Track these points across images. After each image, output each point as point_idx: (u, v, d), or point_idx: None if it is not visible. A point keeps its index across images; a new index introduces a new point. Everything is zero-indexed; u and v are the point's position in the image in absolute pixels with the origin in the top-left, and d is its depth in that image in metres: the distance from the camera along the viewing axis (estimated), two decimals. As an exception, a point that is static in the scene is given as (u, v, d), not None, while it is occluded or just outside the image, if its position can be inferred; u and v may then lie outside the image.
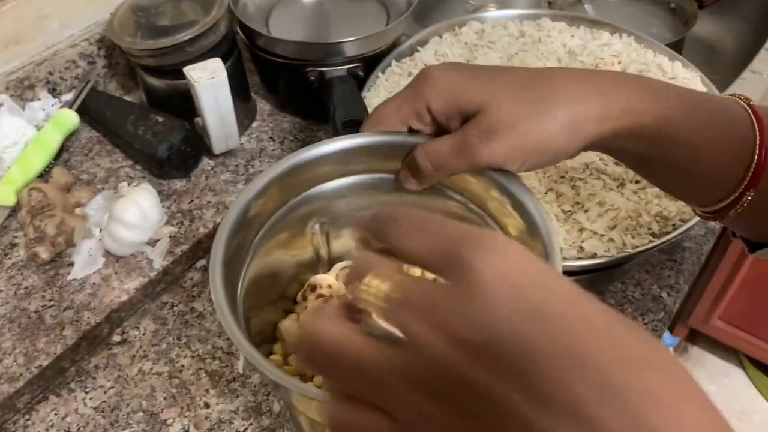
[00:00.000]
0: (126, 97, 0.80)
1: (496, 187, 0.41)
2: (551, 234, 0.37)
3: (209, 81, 0.63)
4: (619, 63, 0.69)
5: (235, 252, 0.40)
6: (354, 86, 0.67)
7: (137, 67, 0.71)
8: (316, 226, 0.47)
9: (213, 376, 0.57)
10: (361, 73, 0.71)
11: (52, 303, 0.59)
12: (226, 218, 0.39)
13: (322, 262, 0.50)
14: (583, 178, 0.61)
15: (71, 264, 0.62)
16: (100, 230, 0.63)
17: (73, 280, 0.61)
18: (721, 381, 1.63)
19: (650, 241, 0.57)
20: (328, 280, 0.48)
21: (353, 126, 0.60)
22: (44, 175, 0.69)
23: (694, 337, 1.63)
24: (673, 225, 0.58)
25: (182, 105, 0.70)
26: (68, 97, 0.74)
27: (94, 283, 0.61)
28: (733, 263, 1.31)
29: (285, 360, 0.45)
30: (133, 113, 0.70)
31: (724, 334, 1.49)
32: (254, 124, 0.78)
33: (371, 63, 0.72)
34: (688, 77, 0.69)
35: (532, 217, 0.39)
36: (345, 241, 0.50)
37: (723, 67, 1.01)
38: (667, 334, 1.50)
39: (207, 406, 0.55)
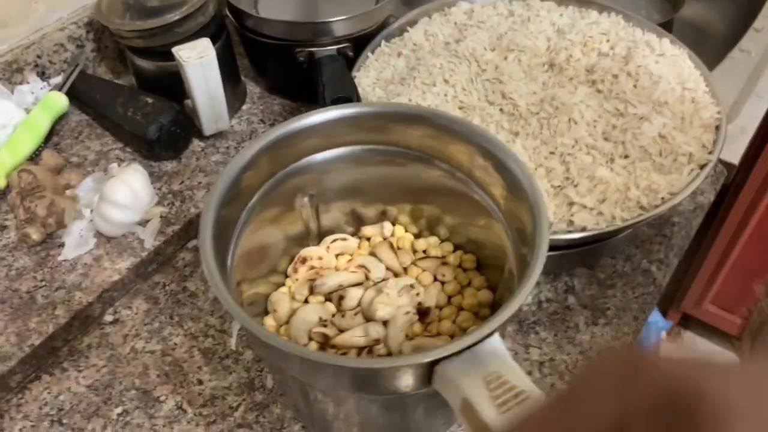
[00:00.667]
0: (116, 81, 0.79)
1: (481, 153, 0.41)
2: (537, 192, 0.38)
3: (198, 61, 0.63)
4: (608, 41, 0.69)
5: (224, 224, 0.40)
6: (343, 65, 0.67)
7: (126, 49, 0.71)
8: (305, 199, 0.47)
9: (206, 353, 0.57)
10: (350, 53, 0.71)
11: (43, 283, 0.59)
12: (215, 188, 0.40)
13: (311, 236, 0.50)
14: (572, 154, 0.61)
15: (62, 245, 0.62)
16: (91, 211, 0.63)
17: (65, 260, 0.61)
18: (713, 365, 1.64)
19: (639, 214, 0.57)
20: (318, 252, 0.48)
21: (343, 103, 0.60)
22: (34, 158, 0.69)
23: (687, 321, 1.64)
24: (662, 198, 0.58)
25: (172, 87, 0.70)
26: (57, 80, 0.74)
27: (85, 264, 0.61)
28: (725, 246, 1.32)
29: (277, 331, 0.45)
30: (123, 95, 0.70)
31: (717, 318, 1.50)
32: (244, 107, 0.78)
33: (361, 43, 0.72)
34: (677, 53, 0.69)
35: (515, 177, 0.39)
36: (334, 215, 0.50)
37: (712, 48, 1.01)
38: (660, 318, 1.51)
39: (200, 382, 0.55)
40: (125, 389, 0.55)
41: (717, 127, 0.63)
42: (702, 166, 0.60)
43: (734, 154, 0.73)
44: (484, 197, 0.44)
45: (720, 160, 0.72)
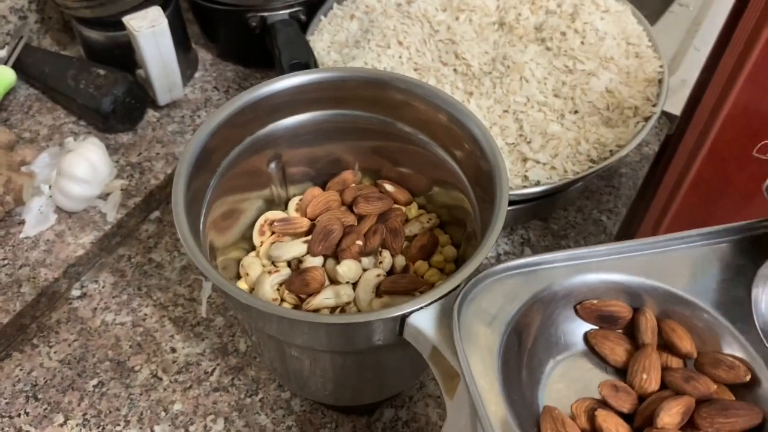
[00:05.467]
0: (62, 53, 0.78)
1: (442, 114, 0.43)
2: (496, 151, 0.40)
3: (150, 30, 0.62)
4: (554, -2, 0.71)
5: (194, 192, 0.41)
6: (297, 29, 0.68)
7: (73, 20, 0.70)
8: (273, 165, 0.48)
9: (177, 322, 0.58)
10: (303, 17, 0.71)
11: (6, 262, 0.59)
12: (184, 156, 0.40)
13: (279, 201, 0.51)
14: (525, 111, 0.64)
15: (22, 222, 0.61)
16: (50, 187, 0.63)
17: (26, 238, 0.61)
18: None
19: (589, 167, 0.60)
20: (282, 214, 0.49)
21: (300, 68, 0.61)
22: (-16, 135, 0.67)
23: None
24: (611, 151, 0.61)
25: (122, 57, 0.69)
26: (1, 53, 0.72)
27: (47, 240, 0.61)
28: (668, 194, 1.37)
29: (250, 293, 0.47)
30: (73, 67, 0.69)
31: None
32: (197, 75, 0.78)
33: (313, 6, 0.72)
34: (620, 9, 0.71)
35: (476, 137, 0.41)
36: (302, 180, 0.51)
37: (652, 3, 1.04)
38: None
39: (173, 350, 0.56)
40: (99, 361, 0.56)
41: (660, 81, 0.66)
42: (647, 119, 0.63)
43: (677, 105, 0.76)
44: (446, 158, 0.46)
45: (663, 112, 0.75)
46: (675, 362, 0.34)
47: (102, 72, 0.67)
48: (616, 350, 0.34)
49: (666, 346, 0.35)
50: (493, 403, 0.29)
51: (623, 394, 0.33)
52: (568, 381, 0.34)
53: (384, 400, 0.52)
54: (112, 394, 0.54)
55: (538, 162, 0.60)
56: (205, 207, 0.43)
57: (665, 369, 0.34)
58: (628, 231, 0.71)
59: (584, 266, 0.35)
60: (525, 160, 0.61)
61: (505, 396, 0.30)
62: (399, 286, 0.44)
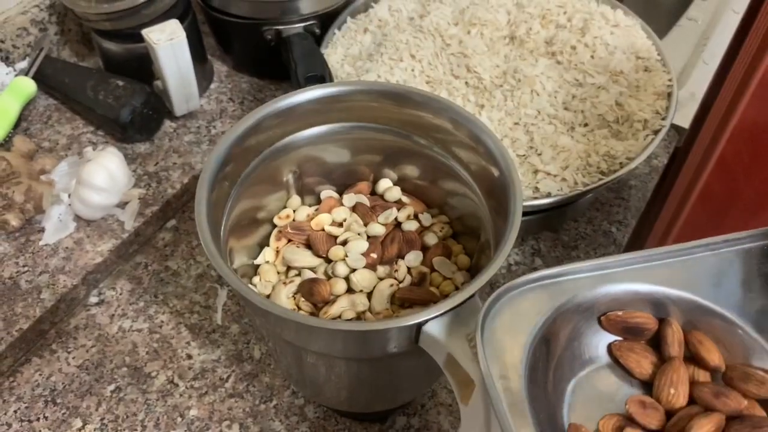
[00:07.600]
0: (81, 64, 0.79)
1: (455, 127, 0.44)
2: (510, 165, 0.41)
3: (169, 42, 0.64)
4: (565, 13, 0.72)
5: (215, 202, 0.42)
6: (312, 42, 0.69)
7: (92, 32, 0.71)
8: (290, 176, 0.49)
9: (193, 329, 0.59)
10: (317, 31, 0.73)
11: (26, 268, 0.60)
12: (207, 167, 0.41)
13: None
14: (535, 124, 0.65)
15: (42, 230, 0.63)
16: (69, 195, 0.64)
17: (46, 245, 0.62)
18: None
19: (599, 179, 0.61)
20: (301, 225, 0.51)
21: (315, 81, 0.62)
22: (5, 144, 0.69)
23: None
24: (620, 163, 0.62)
25: (140, 69, 0.70)
26: (22, 65, 0.73)
27: (66, 247, 0.62)
28: (675, 207, 1.38)
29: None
30: (92, 78, 0.70)
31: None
32: (212, 86, 0.79)
33: (327, 20, 0.73)
34: (630, 24, 0.72)
35: (490, 151, 0.42)
36: (318, 190, 0.53)
37: (660, 16, 1.05)
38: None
39: (189, 357, 0.57)
40: (116, 367, 0.57)
41: (669, 94, 0.67)
42: (656, 132, 0.64)
43: (685, 118, 0.77)
44: (460, 170, 0.47)
45: (672, 125, 0.76)
46: (702, 375, 0.34)
47: (120, 83, 0.69)
48: (642, 363, 0.34)
49: (693, 358, 0.34)
50: (522, 426, 0.29)
51: (651, 411, 0.32)
52: (592, 395, 0.33)
53: (396, 407, 0.53)
54: (129, 400, 0.55)
55: (548, 174, 0.61)
56: (225, 215, 0.44)
57: (693, 383, 0.33)
58: (636, 242, 0.72)
59: (607, 276, 0.35)
60: (536, 171, 0.62)
61: (532, 414, 0.29)
62: (414, 295, 0.45)
